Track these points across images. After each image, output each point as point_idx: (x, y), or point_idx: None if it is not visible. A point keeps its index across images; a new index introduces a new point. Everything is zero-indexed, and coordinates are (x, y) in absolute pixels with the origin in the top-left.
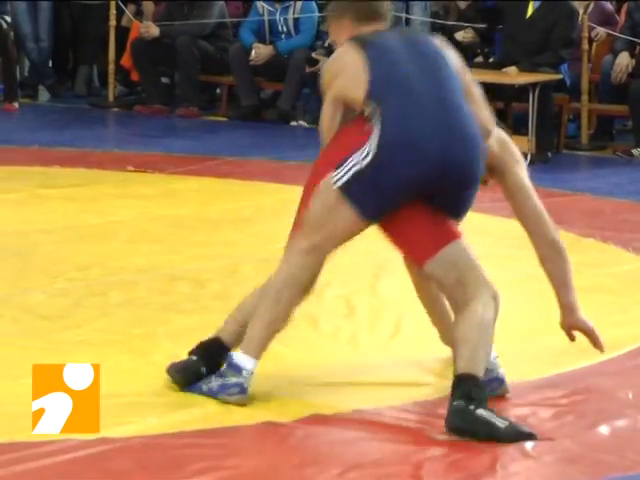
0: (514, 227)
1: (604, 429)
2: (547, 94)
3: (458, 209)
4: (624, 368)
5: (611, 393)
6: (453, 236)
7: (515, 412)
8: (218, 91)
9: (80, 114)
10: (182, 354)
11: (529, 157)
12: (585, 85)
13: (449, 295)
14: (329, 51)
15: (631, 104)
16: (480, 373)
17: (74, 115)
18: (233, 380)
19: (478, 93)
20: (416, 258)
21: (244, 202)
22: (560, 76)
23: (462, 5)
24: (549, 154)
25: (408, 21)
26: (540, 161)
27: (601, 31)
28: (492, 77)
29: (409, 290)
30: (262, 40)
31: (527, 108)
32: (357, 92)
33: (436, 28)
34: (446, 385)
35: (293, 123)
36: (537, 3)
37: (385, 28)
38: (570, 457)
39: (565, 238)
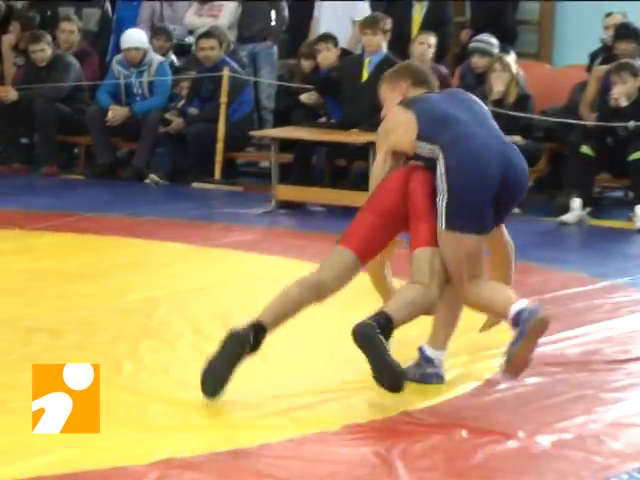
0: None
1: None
2: None
3: (505, 216)
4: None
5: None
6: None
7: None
8: (76, 150)
9: None
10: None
11: None
12: None
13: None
14: (181, 112)
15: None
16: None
17: None
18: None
19: None
20: (418, 240)
21: (100, 256)
22: None
23: (307, 68)
24: None
25: (257, 84)
26: None
27: None
28: (335, 137)
29: None
30: (118, 102)
31: (368, 165)
32: (409, 137)
33: (282, 90)
34: (299, 425)
35: (147, 180)
36: (371, 68)
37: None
38: None
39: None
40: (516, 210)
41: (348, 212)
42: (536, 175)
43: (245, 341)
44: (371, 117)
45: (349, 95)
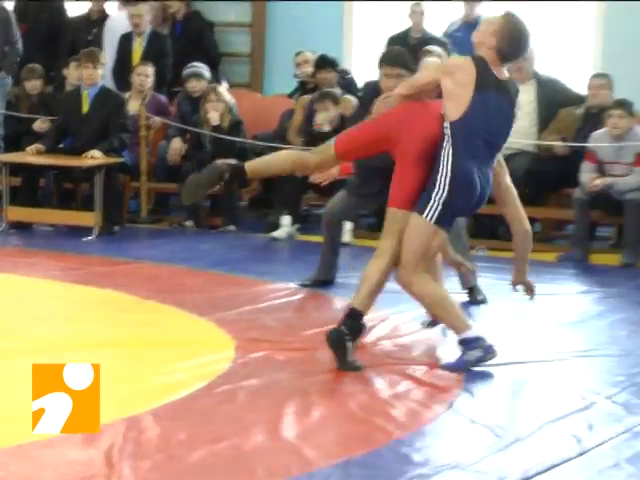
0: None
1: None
2: (113, 175)
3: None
4: (178, 412)
5: (167, 435)
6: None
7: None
8: None
9: None
10: None
11: (96, 231)
12: (144, 166)
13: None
14: None
15: (179, 185)
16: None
17: None
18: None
19: None
20: (395, 199)
21: None
22: (122, 159)
23: (32, 90)
24: (115, 227)
25: None
26: (107, 234)
27: (157, 120)
28: (64, 161)
29: None
30: None
31: (92, 188)
32: (453, 108)
33: (10, 117)
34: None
35: None
36: (90, 100)
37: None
38: None
39: (127, 301)
40: (231, 227)
41: (75, 231)
42: (249, 194)
43: (223, 171)
44: (94, 144)
45: (73, 126)
